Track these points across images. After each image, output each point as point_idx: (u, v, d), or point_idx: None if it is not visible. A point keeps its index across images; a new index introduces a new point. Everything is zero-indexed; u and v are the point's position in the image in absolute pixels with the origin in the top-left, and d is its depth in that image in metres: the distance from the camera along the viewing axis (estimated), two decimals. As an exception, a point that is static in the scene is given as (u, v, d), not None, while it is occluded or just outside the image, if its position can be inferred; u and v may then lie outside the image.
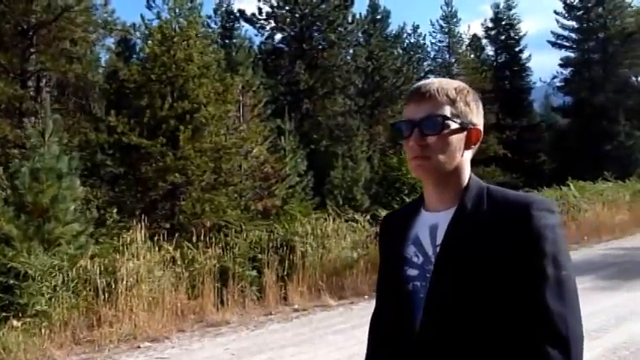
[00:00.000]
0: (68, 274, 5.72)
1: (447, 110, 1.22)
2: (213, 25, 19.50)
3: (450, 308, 1.18)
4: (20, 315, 5.21)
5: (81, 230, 6.81)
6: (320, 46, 20.90)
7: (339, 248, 7.60)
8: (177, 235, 9.05)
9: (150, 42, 10.85)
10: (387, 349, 1.32)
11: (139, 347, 5.18)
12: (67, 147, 11.45)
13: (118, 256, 6.01)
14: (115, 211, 9.71)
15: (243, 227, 8.28)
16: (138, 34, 13.05)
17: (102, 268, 5.89)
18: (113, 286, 5.73)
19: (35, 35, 14.00)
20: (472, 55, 27.10)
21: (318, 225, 7.79)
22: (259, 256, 7.06)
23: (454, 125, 1.21)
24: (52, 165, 6.57)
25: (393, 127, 1.41)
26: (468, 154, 1.26)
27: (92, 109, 14.18)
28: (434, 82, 1.26)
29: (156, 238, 6.87)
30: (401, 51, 24.82)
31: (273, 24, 20.57)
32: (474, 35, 27.90)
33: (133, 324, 5.53)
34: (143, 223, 6.59)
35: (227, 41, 17.98)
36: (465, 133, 1.23)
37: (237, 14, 20.27)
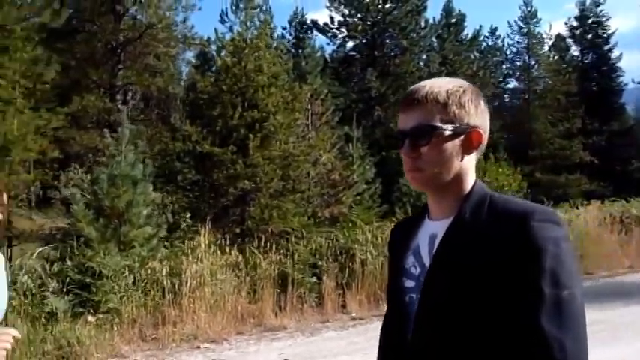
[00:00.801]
0: (139, 275, 6.08)
1: (437, 117, 1.15)
2: (287, 35, 20.04)
3: (439, 320, 1.13)
4: (94, 311, 5.62)
5: (153, 233, 7.23)
6: (392, 53, 20.77)
7: (401, 257, 7.45)
8: (245, 239, 9.36)
9: (222, 54, 11.33)
10: (386, 358, 1.30)
11: (198, 347, 5.39)
12: (148, 155, 12.26)
13: (184, 259, 6.30)
14: (188, 216, 10.21)
15: (305, 234, 8.35)
16: (214, 47, 13.66)
17: (169, 270, 6.20)
18: (178, 288, 6.01)
19: (122, 52, 15.16)
20: (555, 57, 25.63)
21: (379, 233, 7.71)
22: (319, 262, 7.10)
23: (447, 132, 1.14)
24: (127, 172, 7.04)
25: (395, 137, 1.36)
26: (470, 160, 1.17)
27: (172, 119, 15.04)
28: (424, 86, 1.19)
29: (222, 243, 7.13)
30: (477, 55, 24.04)
31: (345, 32, 20.74)
32: (558, 35, 26.40)
33: (195, 325, 5.77)
34: (208, 228, 6.87)
35: (300, 51, 18.37)
36: (462, 137, 1.15)
37: (310, 24, 20.65)
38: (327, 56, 19.74)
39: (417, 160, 1.15)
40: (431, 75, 21.19)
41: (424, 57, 21.36)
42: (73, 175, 11.51)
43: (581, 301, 1.03)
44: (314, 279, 6.90)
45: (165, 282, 6.02)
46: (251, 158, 10.68)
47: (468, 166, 1.17)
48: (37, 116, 10.97)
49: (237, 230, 10.81)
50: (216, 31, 12.23)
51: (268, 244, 7.17)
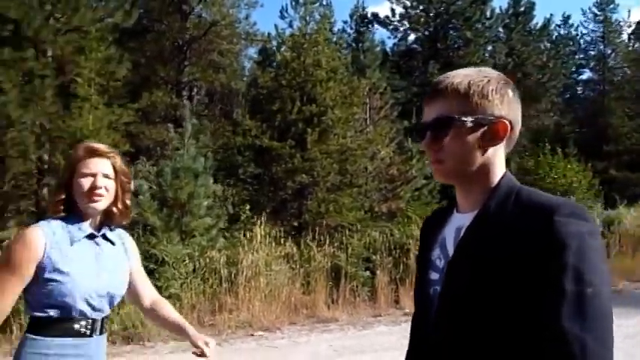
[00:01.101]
0: (198, 263, 6.35)
1: (457, 108, 1.14)
2: (348, 29, 20.01)
3: (457, 312, 1.13)
4: (156, 296, 5.92)
5: (212, 224, 7.50)
6: (455, 45, 20.22)
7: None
8: (302, 232, 9.51)
9: (282, 50, 11.50)
10: (411, 350, 1.32)
11: (252, 335, 5.56)
12: (211, 149, 12.68)
13: (240, 250, 6.50)
14: (247, 208, 10.50)
15: (359, 228, 8.36)
16: (274, 43, 13.90)
17: (226, 260, 6.43)
18: (235, 277, 6.22)
19: (188, 49, 15.73)
20: (635, 45, 23.94)
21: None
22: (373, 257, 7.10)
23: (468, 124, 1.12)
24: (189, 165, 7.35)
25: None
26: (496, 151, 1.14)
27: (234, 114, 15.48)
28: (447, 77, 1.18)
29: (278, 235, 7.30)
30: (548, 45, 22.89)
31: (406, 25, 20.41)
32: (638, 22, 24.63)
33: (250, 313, 5.95)
34: (264, 220, 7.04)
35: (360, 45, 18.30)
36: (485, 129, 1.12)
37: (371, 17, 20.49)
38: (387, 50, 19.52)
39: (439, 152, 1.14)
40: (496, 67, 20.46)
41: (489, 48, 20.62)
42: (141, 168, 12.13)
43: (607, 299, 0.99)
44: (367, 273, 6.91)
45: (222, 271, 6.25)
46: (309, 152, 10.82)
47: (494, 158, 1.14)
48: (109, 112, 11.62)
49: (295, 223, 10.99)
50: (276, 26, 12.44)
51: (323, 237, 7.25)
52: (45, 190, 11.02)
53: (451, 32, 20.20)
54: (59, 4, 11.00)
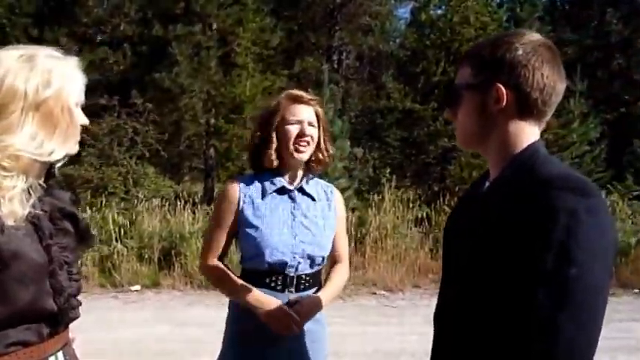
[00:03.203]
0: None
1: (461, 76, 1.14)
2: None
3: (456, 281, 1.13)
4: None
5: (347, 186, 7.76)
6: (642, -12, 17.25)
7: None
8: (446, 198, 9.34)
9: (428, 8, 11.09)
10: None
11: (375, 294, 5.75)
12: (356, 113, 12.90)
13: (369, 211, 6.66)
14: (388, 171, 10.58)
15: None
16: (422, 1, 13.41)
17: (357, 221, 6.65)
18: (363, 237, 6.42)
19: (339, 14, 15.99)
20: None
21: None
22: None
23: (464, 91, 1.11)
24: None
25: None
26: (510, 120, 1.07)
27: (383, 77, 15.47)
28: (474, 44, 1.19)
29: (410, 199, 7.29)
30: None
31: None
32: None
33: (376, 273, 6.12)
34: (394, 184, 7.07)
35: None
36: (483, 95, 1.08)
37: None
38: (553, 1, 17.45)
39: (455, 121, 1.15)
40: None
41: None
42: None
43: (596, 281, 0.90)
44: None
45: (352, 231, 6.49)
46: (452, 115, 10.43)
47: (510, 127, 1.07)
48: (264, 78, 12.51)
49: (436, 188, 10.80)
50: (422, -16, 11.95)
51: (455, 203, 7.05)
52: (211, 150, 12.44)
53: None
54: (223, -21, 12.00)
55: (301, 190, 1.76)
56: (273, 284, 1.68)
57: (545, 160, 1.05)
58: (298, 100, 1.72)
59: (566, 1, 18.63)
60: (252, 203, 1.70)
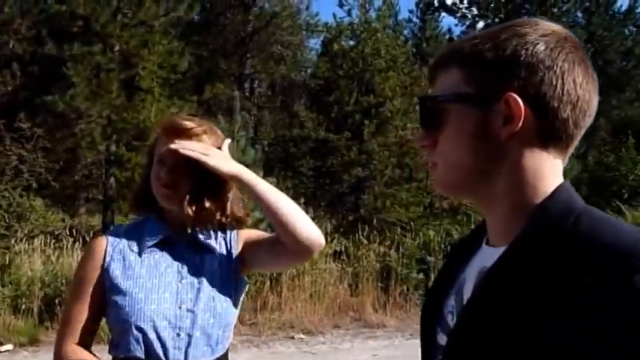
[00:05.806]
0: (243, 259, 6.21)
1: (448, 84, 0.73)
2: (414, 18, 19.29)
3: None
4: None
5: (261, 218, 7.34)
6: (529, 31, 18.96)
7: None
8: (359, 227, 9.22)
9: (340, 39, 11.19)
10: None
11: (293, 338, 5.34)
12: (266, 141, 12.58)
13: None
14: (302, 201, 10.32)
15: (414, 226, 7.91)
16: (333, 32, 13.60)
17: (272, 256, 6.24)
18: (279, 275, 6.01)
19: (250, 42, 15.78)
20: None
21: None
22: (428, 258, 6.65)
23: (454, 105, 0.71)
24: (239, 157, 7.21)
25: None
26: (525, 148, 0.68)
27: (295, 106, 15.39)
28: (451, 44, 0.78)
29: (327, 231, 7.02)
30: (633, 29, 20.95)
31: (475, 11, 19.38)
32: None
33: (293, 313, 5.73)
34: (311, 215, 6.79)
35: (424, 32, 17.59)
36: (486, 111, 0.68)
37: (437, 4, 19.63)
38: (455, 37, 18.64)
39: (432, 152, 0.74)
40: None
41: (568, 33, 19.15)
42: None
43: None
44: (421, 275, 6.48)
45: (267, 268, 6.07)
46: (366, 144, 10.47)
47: (525, 158, 0.68)
48: (171, 103, 11.82)
49: (351, 217, 10.71)
50: (334, 15, 12.11)
51: (372, 235, 6.91)
52: (112, 180, 11.46)
53: (524, 18, 18.95)
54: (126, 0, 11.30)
55: (193, 241, 1.29)
56: None
57: (591, 215, 0.67)
58: (172, 131, 1.27)
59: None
60: (124, 260, 1.25)
